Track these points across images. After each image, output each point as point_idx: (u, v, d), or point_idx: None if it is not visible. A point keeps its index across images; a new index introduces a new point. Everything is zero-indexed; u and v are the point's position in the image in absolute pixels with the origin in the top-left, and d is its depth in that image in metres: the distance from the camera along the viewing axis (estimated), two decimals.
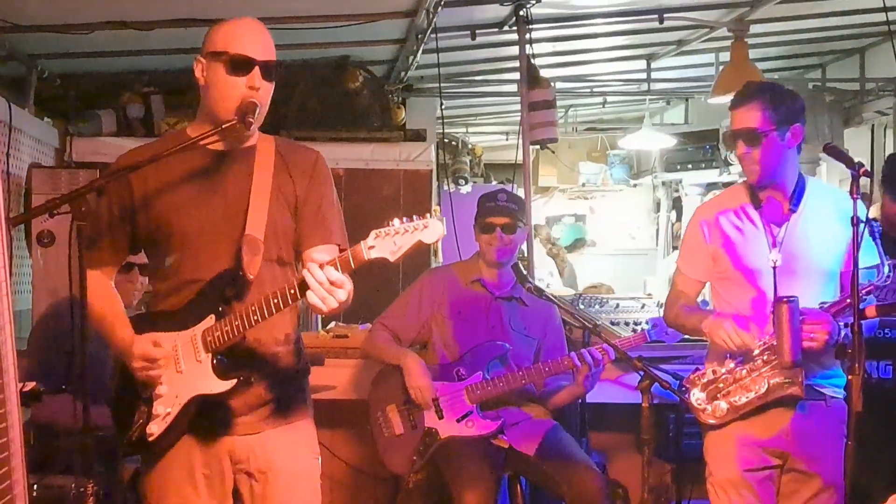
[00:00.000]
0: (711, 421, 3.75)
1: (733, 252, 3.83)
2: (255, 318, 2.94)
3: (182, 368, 3.06)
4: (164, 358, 3.05)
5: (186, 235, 3.11)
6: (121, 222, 3.18)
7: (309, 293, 2.79)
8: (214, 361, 3.03)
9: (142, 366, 3.06)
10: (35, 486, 3.87)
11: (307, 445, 3.30)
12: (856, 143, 8.13)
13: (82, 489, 3.02)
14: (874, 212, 4.99)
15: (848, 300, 3.55)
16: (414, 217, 2.71)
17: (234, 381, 3.04)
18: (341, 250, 3.05)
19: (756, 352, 3.69)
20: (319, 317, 5.84)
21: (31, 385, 3.72)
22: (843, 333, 3.58)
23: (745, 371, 3.70)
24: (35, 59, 6.57)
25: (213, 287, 3.08)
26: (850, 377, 3.37)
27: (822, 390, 3.76)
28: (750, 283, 3.80)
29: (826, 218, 3.79)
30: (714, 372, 3.75)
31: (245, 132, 3.11)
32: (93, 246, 3.16)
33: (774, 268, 3.71)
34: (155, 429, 3.09)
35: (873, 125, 8.24)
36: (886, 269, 3.58)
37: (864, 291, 3.50)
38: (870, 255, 3.59)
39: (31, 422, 4.21)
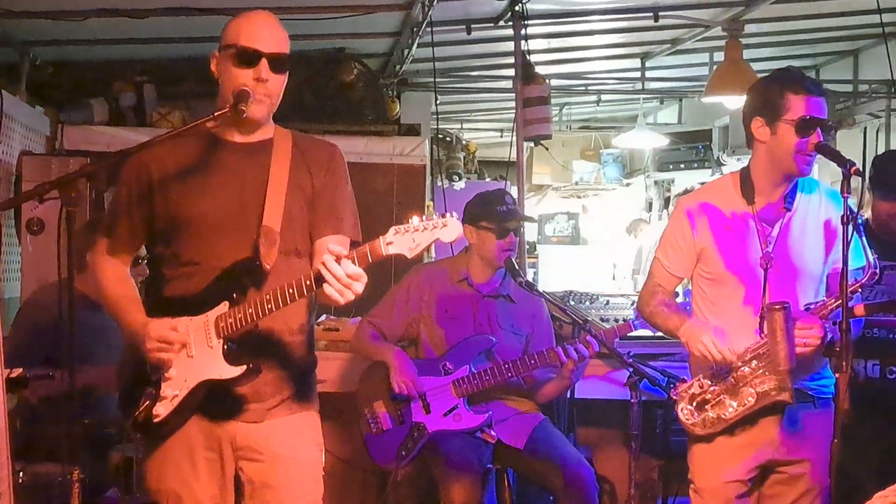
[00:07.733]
0: (700, 432, 3.67)
1: (725, 252, 3.69)
2: (269, 306, 2.95)
3: (193, 353, 3.06)
4: (179, 342, 3.05)
5: (202, 223, 3.12)
6: (138, 208, 3.20)
7: (326, 286, 2.79)
8: (225, 347, 3.04)
9: (156, 347, 3.05)
10: (21, 473, 3.87)
11: (310, 436, 3.31)
12: (848, 145, 8.12)
13: (68, 476, 3.00)
14: (866, 213, 4.99)
15: (833, 303, 3.50)
16: (434, 216, 2.72)
17: (244, 367, 3.04)
18: (353, 243, 3.07)
19: (744, 359, 3.60)
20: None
21: (17, 372, 3.71)
22: (829, 333, 3.51)
23: (732, 381, 3.60)
24: (27, 46, 6.53)
25: (229, 275, 3.09)
26: (837, 375, 3.28)
27: (809, 392, 3.67)
28: (741, 284, 3.67)
29: (816, 215, 3.69)
30: (701, 385, 3.66)
31: (238, 119, 3.10)
32: (111, 232, 3.24)
33: (766, 269, 3.60)
34: (161, 410, 3.09)
35: (866, 127, 8.20)
36: (872, 260, 3.43)
37: (849, 290, 3.37)
38: (856, 254, 3.44)
39: (16, 408, 4.20)
